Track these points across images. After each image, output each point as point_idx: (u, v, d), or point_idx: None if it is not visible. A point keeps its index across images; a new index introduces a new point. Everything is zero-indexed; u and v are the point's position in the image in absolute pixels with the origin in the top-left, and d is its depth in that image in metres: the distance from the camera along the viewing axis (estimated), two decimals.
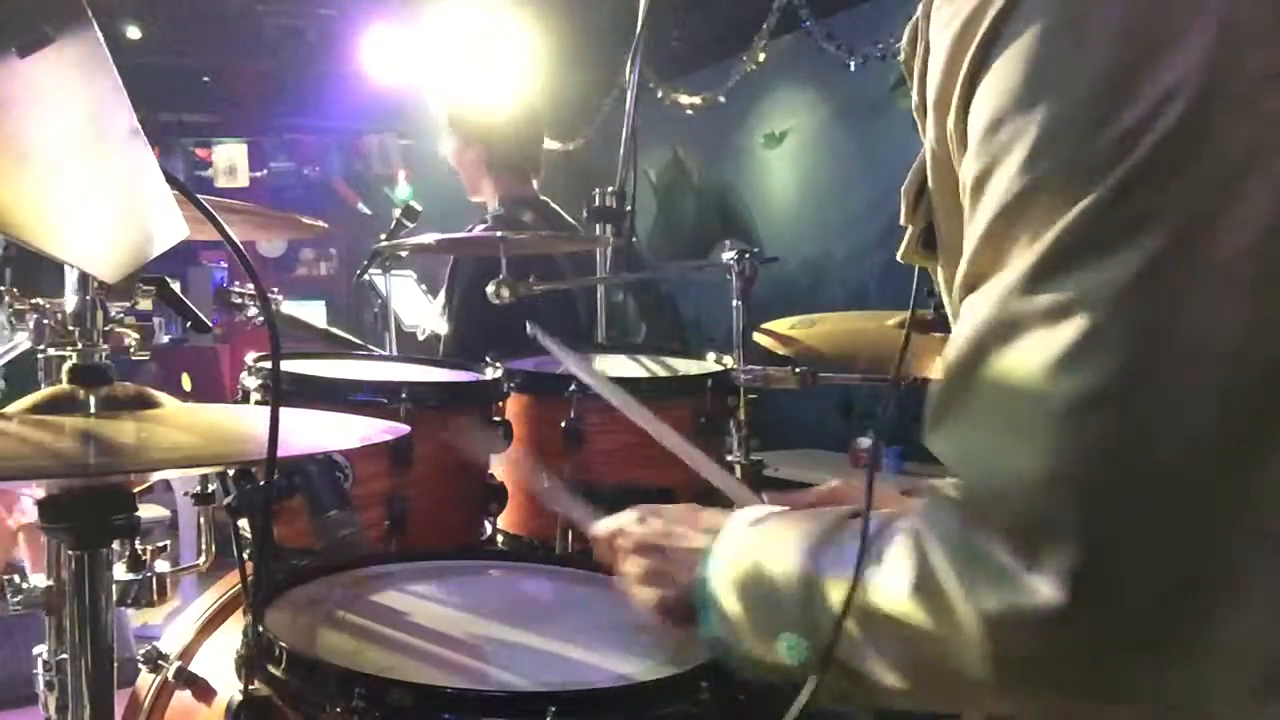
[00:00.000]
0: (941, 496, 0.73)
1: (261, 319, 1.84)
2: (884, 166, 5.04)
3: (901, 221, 0.89)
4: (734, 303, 1.89)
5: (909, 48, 0.83)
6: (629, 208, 2.44)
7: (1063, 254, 0.65)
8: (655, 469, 1.71)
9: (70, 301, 1.05)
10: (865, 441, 4.67)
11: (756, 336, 1.83)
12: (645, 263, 6.01)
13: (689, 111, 5.65)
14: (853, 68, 4.83)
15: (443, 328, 3.04)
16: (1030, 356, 0.65)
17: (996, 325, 0.68)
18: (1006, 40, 0.68)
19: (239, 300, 2.32)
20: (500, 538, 1.74)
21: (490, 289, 1.97)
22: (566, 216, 3.11)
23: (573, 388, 1.69)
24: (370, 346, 2.55)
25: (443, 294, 3.08)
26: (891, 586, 0.73)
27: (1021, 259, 0.67)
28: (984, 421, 0.70)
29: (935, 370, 1.64)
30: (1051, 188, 0.66)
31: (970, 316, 0.70)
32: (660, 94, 5.61)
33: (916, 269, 0.93)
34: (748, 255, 1.89)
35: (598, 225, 2.42)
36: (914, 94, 0.82)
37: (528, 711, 0.96)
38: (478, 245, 2.62)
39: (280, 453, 0.85)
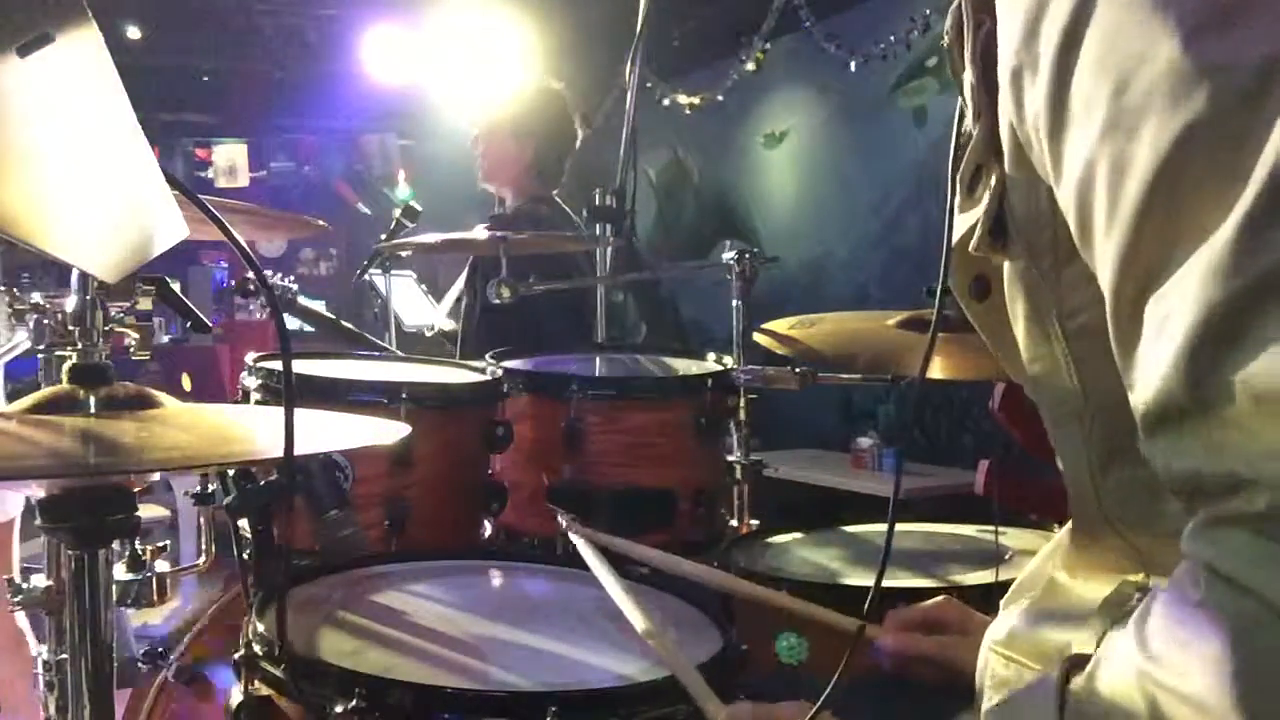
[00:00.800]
0: (1224, 519, 0.59)
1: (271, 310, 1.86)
2: (884, 166, 5.04)
3: (958, 210, 0.81)
4: (734, 303, 1.89)
5: (953, 30, 0.79)
6: (629, 208, 2.44)
7: (1271, 202, 0.55)
8: (655, 469, 1.72)
9: (70, 301, 1.05)
10: (865, 441, 4.67)
11: (756, 336, 1.83)
12: (645, 263, 6.01)
13: (689, 111, 5.66)
14: (853, 68, 4.83)
15: (448, 324, 3.04)
16: None
17: (1224, 307, 0.56)
18: None
19: (255, 289, 2.33)
20: (500, 537, 1.74)
21: (490, 289, 1.97)
22: (576, 218, 3.12)
23: (573, 387, 1.69)
24: (378, 342, 2.56)
25: (456, 291, 3.08)
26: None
27: (1223, 217, 0.56)
28: (1259, 416, 0.55)
29: (935, 371, 1.65)
30: (1223, 123, 0.57)
31: (1178, 307, 0.58)
32: (660, 94, 5.61)
33: (943, 267, 0.86)
34: (748, 255, 1.89)
35: (598, 225, 2.42)
36: (968, 74, 0.77)
37: (528, 711, 0.96)
38: (479, 245, 2.62)
39: (280, 453, 0.85)
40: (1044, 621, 0.84)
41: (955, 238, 0.83)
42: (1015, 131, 0.72)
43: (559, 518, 1.39)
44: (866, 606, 0.72)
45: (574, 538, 1.33)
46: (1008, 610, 0.93)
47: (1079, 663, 0.72)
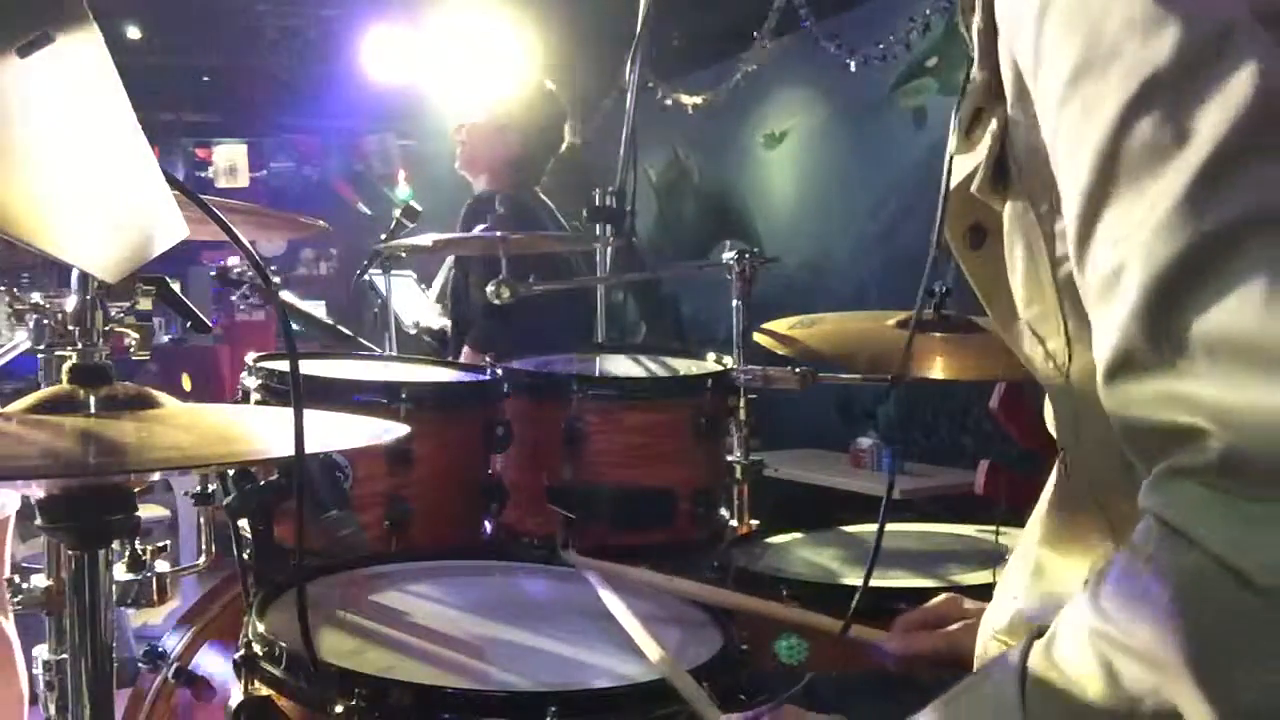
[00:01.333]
0: (1178, 471, 0.57)
1: (255, 302, 1.84)
2: (884, 166, 5.04)
3: (951, 150, 0.82)
4: (734, 303, 1.89)
5: None
6: (629, 208, 2.44)
7: (1223, 157, 0.55)
8: (655, 469, 1.72)
9: (70, 301, 1.05)
10: (865, 441, 4.67)
11: (756, 336, 1.83)
12: (645, 263, 6.01)
13: (689, 111, 5.65)
14: (853, 68, 4.83)
15: (436, 322, 3.04)
16: (1248, 286, 0.53)
17: (1177, 261, 0.56)
18: None
19: (237, 276, 2.30)
20: (500, 537, 1.74)
21: (490, 289, 1.97)
22: (560, 217, 3.12)
23: (573, 387, 1.69)
24: (370, 345, 2.55)
25: (439, 288, 3.08)
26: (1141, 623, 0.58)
27: (1175, 170, 0.57)
28: (1211, 366, 0.55)
29: (935, 371, 1.65)
30: (1183, 73, 0.57)
31: (1132, 260, 0.59)
32: (660, 94, 5.60)
33: (941, 198, 0.86)
34: (748, 255, 1.89)
35: (598, 225, 2.42)
36: (976, 17, 0.78)
37: (528, 711, 0.96)
38: (478, 245, 2.63)
39: (280, 453, 0.85)
40: (1030, 602, 0.84)
41: (954, 182, 0.84)
42: (1017, 70, 0.72)
43: (567, 557, 1.39)
44: (851, 609, 0.72)
45: (584, 572, 1.32)
46: (1002, 597, 0.93)
47: (1040, 635, 0.71)
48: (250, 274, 2.22)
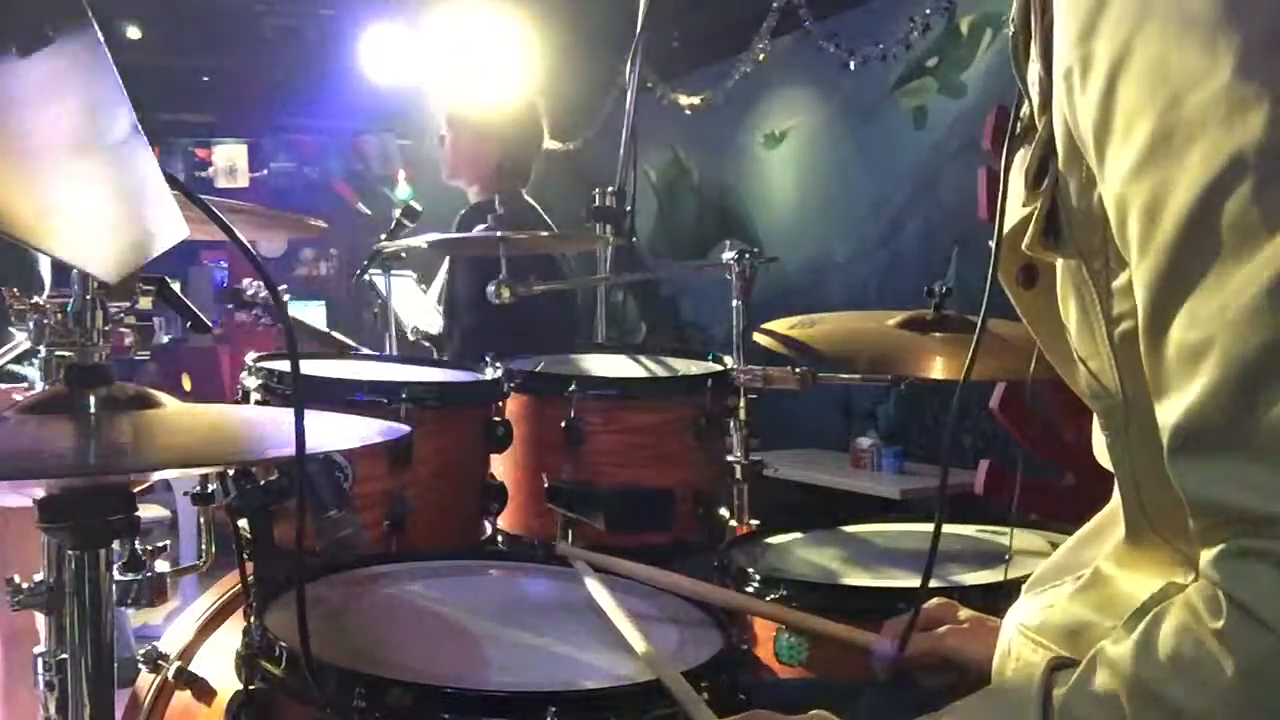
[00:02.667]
0: (1252, 552, 0.59)
1: (268, 322, 1.84)
2: (884, 166, 5.04)
3: (1023, 205, 0.79)
4: (734, 303, 1.89)
5: (1019, 19, 0.78)
6: (629, 208, 2.44)
7: None
8: (655, 469, 1.72)
9: (70, 302, 1.05)
10: (865, 441, 4.67)
11: (756, 336, 1.83)
12: (645, 263, 6.01)
13: (689, 111, 5.65)
14: (853, 68, 4.83)
15: (434, 326, 3.04)
16: None
17: (1270, 347, 0.57)
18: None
19: (249, 298, 2.32)
20: (500, 538, 1.74)
21: (490, 289, 1.97)
22: (548, 219, 3.13)
23: (573, 388, 1.69)
24: (364, 349, 2.55)
25: (439, 291, 3.08)
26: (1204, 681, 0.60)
27: (1270, 249, 0.56)
28: None
29: (935, 371, 1.65)
30: (1276, 150, 0.57)
31: (1219, 337, 0.59)
32: (660, 94, 5.60)
33: (989, 274, 0.84)
34: (748, 255, 1.90)
35: (598, 225, 2.42)
36: (1035, 66, 0.76)
37: (528, 711, 0.96)
38: (478, 245, 2.62)
39: (280, 453, 0.85)
40: (1081, 611, 0.83)
41: (1006, 228, 0.82)
42: (1069, 129, 0.71)
43: (560, 549, 1.39)
44: (920, 593, 0.72)
45: (575, 564, 1.33)
46: (1034, 596, 0.93)
47: (1063, 665, 0.72)
48: (264, 295, 2.22)
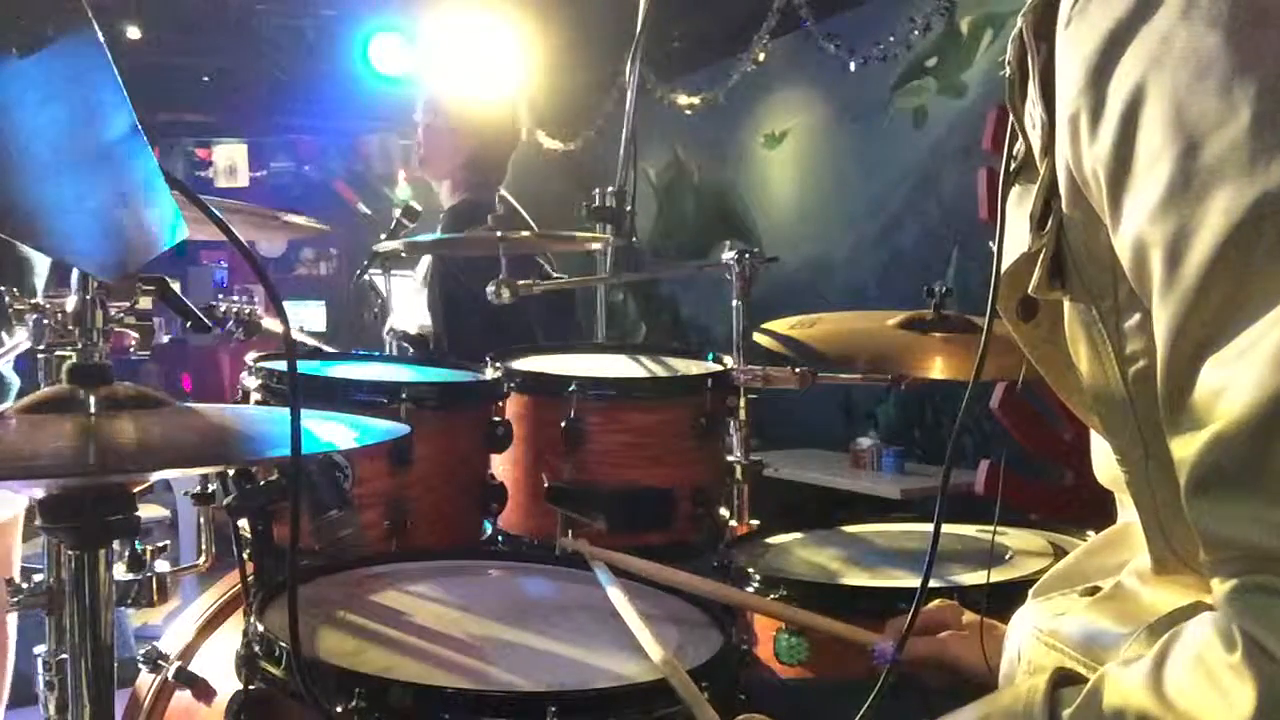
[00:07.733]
0: (1269, 589, 0.60)
1: (243, 337, 1.83)
2: (884, 166, 5.04)
3: (1029, 249, 0.79)
4: (734, 303, 1.89)
5: (1015, 62, 0.78)
6: (629, 208, 2.44)
7: None
8: (655, 469, 1.72)
9: (70, 301, 1.05)
10: (865, 441, 4.67)
11: (756, 336, 1.83)
12: (645, 263, 6.01)
13: (689, 111, 5.65)
14: (853, 68, 4.83)
15: (413, 326, 3.03)
16: None
17: None
18: (1179, 52, 0.61)
19: (221, 315, 2.25)
20: (500, 538, 1.74)
21: (490, 289, 1.97)
22: (526, 215, 3.13)
23: (572, 388, 1.69)
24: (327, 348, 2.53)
25: (429, 291, 3.08)
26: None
27: None
28: None
29: (935, 371, 1.65)
30: None
31: (1242, 380, 0.60)
32: (660, 94, 5.60)
33: (994, 274, 0.83)
34: (748, 255, 1.89)
35: (598, 225, 2.42)
36: (1035, 108, 0.76)
37: (528, 711, 0.96)
38: (477, 245, 2.62)
39: (280, 453, 0.85)
40: (1101, 620, 0.83)
41: (1005, 264, 0.81)
42: (1072, 172, 0.71)
43: (572, 545, 1.38)
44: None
45: (593, 565, 1.32)
46: (1041, 602, 0.93)
47: (1064, 681, 0.72)
48: (235, 310, 2.17)
